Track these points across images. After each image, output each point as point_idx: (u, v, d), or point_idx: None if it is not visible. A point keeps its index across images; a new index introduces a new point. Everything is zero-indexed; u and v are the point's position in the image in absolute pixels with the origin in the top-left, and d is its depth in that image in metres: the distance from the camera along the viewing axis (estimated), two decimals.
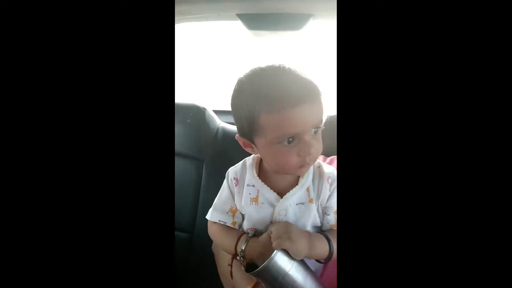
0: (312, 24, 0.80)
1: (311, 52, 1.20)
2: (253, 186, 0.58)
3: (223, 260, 0.64)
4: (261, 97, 0.47)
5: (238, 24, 0.82)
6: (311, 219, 0.56)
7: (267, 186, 0.57)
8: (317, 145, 0.50)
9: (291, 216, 0.56)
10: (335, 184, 0.56)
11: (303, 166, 0.51)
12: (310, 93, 0.48)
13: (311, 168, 0.57)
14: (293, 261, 0.50)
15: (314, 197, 0.56)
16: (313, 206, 0.56)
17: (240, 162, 0.62)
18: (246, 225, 0.59)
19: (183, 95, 1.00)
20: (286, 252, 0.50)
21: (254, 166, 0.59)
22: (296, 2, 0.75)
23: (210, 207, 0.63)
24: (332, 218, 0.57)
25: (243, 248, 0.55)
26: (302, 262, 0.52)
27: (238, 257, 0.56)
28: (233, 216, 0.61)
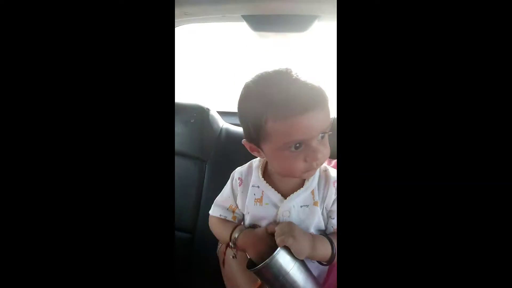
0: (317, 26, 0.80)
1: (316, 54, 1.20)
2: (258, 187, 0.58)
3: (228, 265, 0.64)
4: (267, 104, 0.47)
5: (243, 25, 0.82)
6: (315, 221, 0.56)
7: (272, 187, 0.57)
8: (324, 150, 0.50)
9: (294, 218, 0.56)
10: None
11: (309, 170, 0.51)
12: (317, 99, 0.47)
13: (317, 171, 0.57)
14: (295, 261, 0.50)
15: (319, 200, 0.56)
16: (318, 209, 0.56)
17: (247, 164, 0.63)
18: (248, 223, 0.60)
19: (187, 95, 1.00)
20: (289, 252, 0.50)
21: (260, 167, 0.60)
22: (302, 4, 0.75)
23: None
24: (336, 222, 0.56)
25: (236, 236, 0.56)
26: (304, 264, 0.52)
27: (230, 245, 0.56)
28: (233, 213, 0.63)
